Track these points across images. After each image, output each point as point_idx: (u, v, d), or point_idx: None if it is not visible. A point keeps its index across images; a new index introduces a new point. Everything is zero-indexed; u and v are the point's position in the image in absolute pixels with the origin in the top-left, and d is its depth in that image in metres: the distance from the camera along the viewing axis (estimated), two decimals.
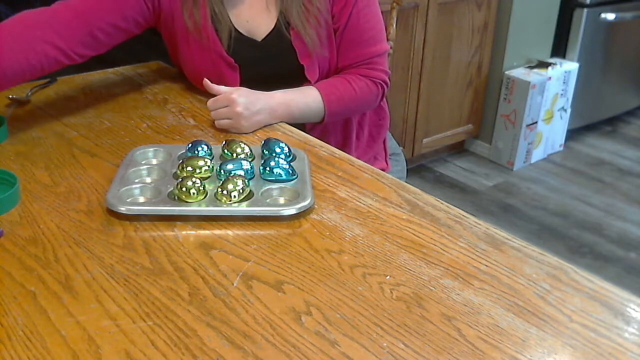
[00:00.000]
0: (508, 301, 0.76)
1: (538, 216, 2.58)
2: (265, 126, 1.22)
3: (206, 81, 1.22)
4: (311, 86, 1.28)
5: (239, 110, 1.17)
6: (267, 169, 0.99)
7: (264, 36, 1.29)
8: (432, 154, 2.96)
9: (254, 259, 0.83)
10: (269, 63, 1.30)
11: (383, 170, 1.44)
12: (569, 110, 3.06)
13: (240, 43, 1.29)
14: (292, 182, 0.99)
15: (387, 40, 1.49)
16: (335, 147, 1.17)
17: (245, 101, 1.17)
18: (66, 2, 1.20)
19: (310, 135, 1.22)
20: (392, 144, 1.60)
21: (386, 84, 1.35)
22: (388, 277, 0.80)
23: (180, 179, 0.94)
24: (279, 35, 1.28)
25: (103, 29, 1.22)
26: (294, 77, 1.29)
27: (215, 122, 1.20)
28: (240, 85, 1.28)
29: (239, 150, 1.06)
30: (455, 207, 0.96)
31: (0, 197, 0.91)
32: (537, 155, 3.03)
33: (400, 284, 0.78)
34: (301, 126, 1.29)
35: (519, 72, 2.85)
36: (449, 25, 2.65)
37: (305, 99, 1.26)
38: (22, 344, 0.67)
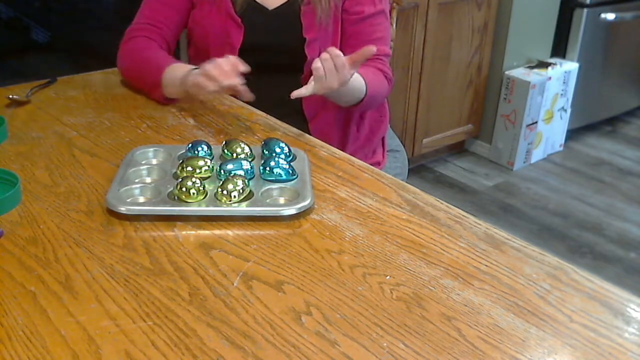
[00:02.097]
0: (508, 301, 0.76)
1: (538, 216, 2.58)
2: (264, 126, 1.23)
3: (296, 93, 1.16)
4: None
5: (343, 59, 1.11)
6: (267, 169, 0.99)
7: (276, 6, 1.35)
8: (432, 154, 2.96)
9: (254, 259, 0.83)
10: (273, 31, 1.36)
11: (378, 163, 1.46)
12: (569, 110, 3.06)
13: (251, 8, 1.35)
14: (292, 182, 0.99)
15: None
16: (335, 140, 1.17)
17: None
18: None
19: (312, 127, 1.21)
20: (393, 141, 1.61)
21: (392, 83, 1.40)
22: (388, 277, 0.80)
23: (180, 179, 0.94)
24: (291, 6, 1.34)
25: (174, 34, 1.41)
26: (294, 50, 1.34)
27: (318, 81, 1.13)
28: (242, 49, 1.33)
29: (239, 150, 1.06)
30: (455, 207, 0.96)
31: (2, 197, 0.91)
32: (537, 155, 3.02)
33: (400, 284, 0.78)
34: (302, 118, 1.31)
35: (519, 72, 2.85)
36: (449, 25, 2.65)
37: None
38: (22, 344, 0.67)
